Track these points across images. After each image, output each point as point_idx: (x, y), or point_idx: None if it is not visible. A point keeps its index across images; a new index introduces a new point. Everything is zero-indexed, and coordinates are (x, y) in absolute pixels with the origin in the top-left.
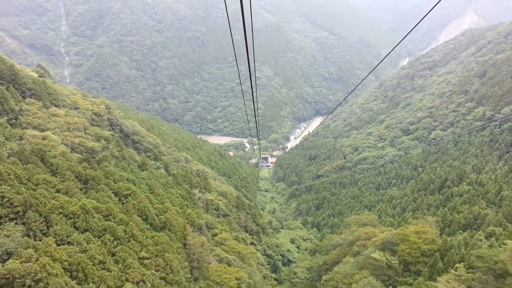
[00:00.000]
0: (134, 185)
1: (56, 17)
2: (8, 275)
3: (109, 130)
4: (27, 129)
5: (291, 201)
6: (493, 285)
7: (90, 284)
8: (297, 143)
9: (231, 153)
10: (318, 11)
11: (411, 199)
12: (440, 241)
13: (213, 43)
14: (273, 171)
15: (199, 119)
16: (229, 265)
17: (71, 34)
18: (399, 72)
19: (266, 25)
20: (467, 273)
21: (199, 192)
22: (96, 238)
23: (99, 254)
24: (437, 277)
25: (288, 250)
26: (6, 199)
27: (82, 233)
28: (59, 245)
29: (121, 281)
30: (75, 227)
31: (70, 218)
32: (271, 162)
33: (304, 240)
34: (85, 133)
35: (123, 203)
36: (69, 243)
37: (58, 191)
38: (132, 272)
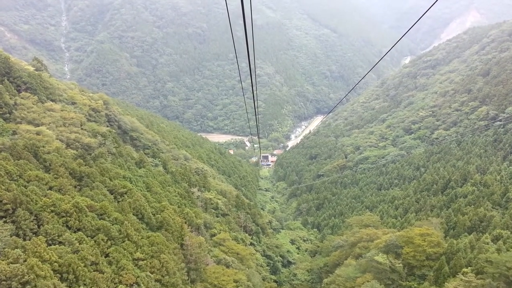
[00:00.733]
0: (131, 183)
1: (56, 12)
2: None
3: (107, 126)
4: (21, 123)
5: (291, 201)
6: None
7: (82, 287)
8: (298, 142)
9: (231, 152)
10: (319, 8)
11: (414, 200)
12: (446, 244)
13: (214, 40)
14: (274, 170)
15: (200, 117)
16: (228, 267)
17: (71, 29)
18: (401, 70)
19: (268, 22)
20: (477, 279)
21: (198, 190)
22: (89, 238)
23: (91, 255)
24: (444, 283)
25: (288, 251)
26: None
27: (75, 232)
28: (50, 245)
29: (114, 284)
30: (67, 226)
31: (62, 216)
32: (272, 161)
33: (304, 240)
34: (82, 128)
35: (118, 202)
36: (60, 243)
37: (50, 188)
38: (126, 274)
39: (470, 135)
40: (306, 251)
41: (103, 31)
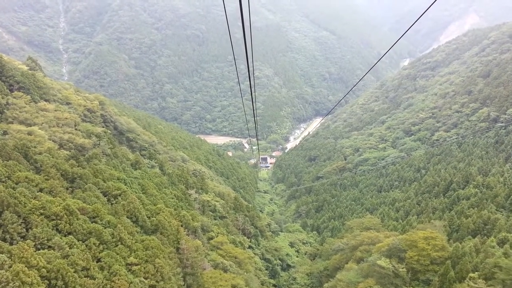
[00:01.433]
0: (125, 185)
1: (54, 14)
2: None
3: (103, 127)
4: (12, 123)
5: (290, 203)
6: None
7: None
8: (297, 144)
9: (230, 153)
10: (319, 10)
11: (415, 202)
12: (451, 248)
13: (213, 42)
14: (272, 172)
15: (198, 119)
16: (225, 271)
17: (69, 31)
18: (400, 72)
19: (267, 24)
20: (487, 285)
21: (195, 192)
22: (80, 242)
23: (82, 260)
24: None
25: (287, 254)
26: None
27: (65, 236)
28: (38, 249)
29: None
30: (57, 229)
31: (52, 219)
32: (270, 163)
33: (303, 243)
34: (76, 129)
35: (112, 204)
36: (49, 247)
37: (41, 190)
38: (118, 279)
39: (471, 137)
40: (305, 254)
41: (101, 33)
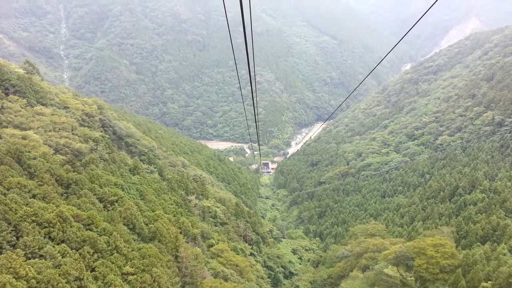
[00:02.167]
0: (123, 190)
1: (56, 20)
2: None
3: (101, 132)
4: (7, 127)
5: (292, 209)
6: None
7: None
8: (299, 149)
9: (231, 159)
10: (319, 15)
11: (420, 207)
12: (461, 256)
13: (214, 47)
14: (274, 177)
15: (199, 124)
16: (226, 280)
17: (70, 36)
18: (402, 76)
19: (267, 29)
20: None
21: (196, 198)
22: (74, 250)
23: (75, 269)
24: None
25: (290, 262)
26: None
27: (58, 244)
28: (29, 258)
29: None
30: (50, 237)
31: (45, 227)
32: (272, 168)
33: (306, 250)
34: (73, 133)
35: (108, 210)
36: (41, 256)
37: (33, 196)
38: None
39: (476, 141)
40: (308, 261)
41: (102, 38)
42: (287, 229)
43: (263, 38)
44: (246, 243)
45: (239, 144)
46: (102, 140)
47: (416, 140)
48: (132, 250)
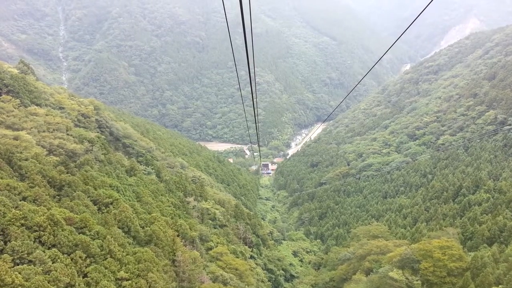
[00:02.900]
0: (118, 192)
1: (54, 22)
2: None
3: (98, 133)
4: None
5: (293, 210)
6: None
7: None
8: (298, 150)
9: (231, 160)
10: (318, 16)
11: (423, 208)
12: (469, 258)
13: (213, 48)
14: (274, 179)
15: (199, 125)
16: (225, 285)
17: (69, 39)
18: (402, 76)
19: (267, 30)
20: None
21: (194, 200)
22: (65, 255)
23: (66, 276)
24: None
25: (291, 264)
26: None
27: (49, 249)
28: (17, 264)
29: None
30: (40, 241)
31: (35, 231)
32: (272, 169)
33: (307, 252)
34: (67, 134)
35: (102, 213)
36: (30, 262)
37: (24, 198)
38: None
39: (478, 140)
40: (309, 263)
41: (101, 40)
42: (288, 231)
43: (262, 39)
44: (246, 245)
45: (239, 146)
46: (97, 141)
47: (417, 140)
48: (127, 255)
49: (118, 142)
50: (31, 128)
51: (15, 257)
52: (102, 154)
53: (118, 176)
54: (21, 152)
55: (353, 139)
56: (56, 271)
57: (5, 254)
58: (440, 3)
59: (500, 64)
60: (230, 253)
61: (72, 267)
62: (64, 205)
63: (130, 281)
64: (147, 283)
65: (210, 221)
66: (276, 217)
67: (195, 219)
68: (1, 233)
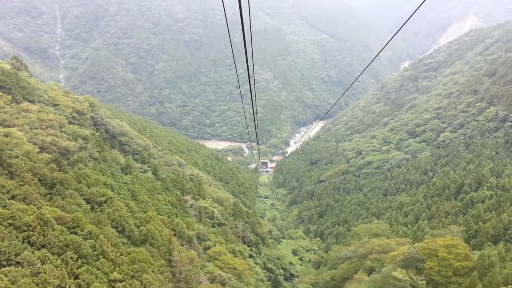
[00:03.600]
0: (112, 191)
1: (51, 20)
2: None
3: (93, 130)
4: None
5: (292, 208)
6: None
7: None
8: (297, 148)
9: (229, 158)
10: (316, 14)
11: (425, 206)
12: (476, 257)
13: (211, 46)
14: (273, 177)
15: (197, 124)
16: (223, 285)
17: (66, 37)
18: (401, 74)
19: (265, 28)
20: None
21: (192, 198)
22: (56, 256)
23: (55, 278)
24: None
25: (291, 263)
26: None
27: (38, 249)
28: (3, 266)
29: None
30: (29, 242)
31: (24, 231)
32: (271, 168)
33: (307, 251)
34: (61, 131)
35: (96, 212)
36: (17, 263)
37: (13, 197)
38: None
39: (479, 137)
40: (309, 262)
41: (98, 38)
42: (287, 229)
43: (260, 36)
44: (245, 244)
45: (238, 144)
46: (92, 138)
47: (417, 137)
48: (120, 255)
49: (114, 140)
50: (23, 125)
51: (2, 258)
52: (97, 151)
53: (113, 174)
54: (11, 150)
55: (352, 137)
56: (45, 273)
57: None
58: (439, 0)
59: (500, 60)
60: (229, 252)
61: (63, 269)
62: (55, 204)
63: (123, 283)
64: (142, 284)
65: (208, 220)
66: (275, 216)
67: (193, 217)
68: None
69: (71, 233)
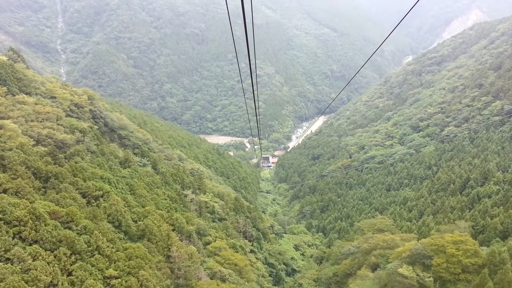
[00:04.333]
0: (110, 185)
1: (52, 14)
2: None
3: (93, 123)
4: None
5: (294, 203)
6: None
7: None
8: (299, 143)
9: (231, 153)
10: (319, 8)
11: (429, 201)
12: (484, 253)
13: (213, 40)
14: (275, 172)
15: (198, 118)
16: (224, 281)
17: (67, 31)
18: (404, 68)
19: (267, 22)
20: None
21: (192, 193)
22: (48, 252)
23: (47, 274)
24: None
25: (292, 258)
26: None
27: (30, 245)
28: None
29: None
30: (20, 237)
31: (15, 226)
32: (272, 162)
33: (309, 246)
34: (58, 124)
35: (92, 206)
36: (7, 260)
37: (5, 191)
38: None
39: (484, 132)
40: (311, 257)
41: (99, 32)
42: (289, 224)
43: (262, 30)
44: (246, 239)
45: (239, 139)
46: (90, 131)
47: (421, 132)
48: (116, 251)
49: (113, 133)
50: (18, 117)
51: None
52: (95, 145)
53: (111, 167)
54: (4, 142)
55: (355, 132)
56: (36, 269)
57: None
58: None
59: (506, 54)
60: (229, 247)
61: (55, 265)
62: (49, 198)
63: (119, 280)
64: (138, 281)
65: (209, 215)
66: (277, 210)
67: (193, 212)
68: None
69: (65, 228)
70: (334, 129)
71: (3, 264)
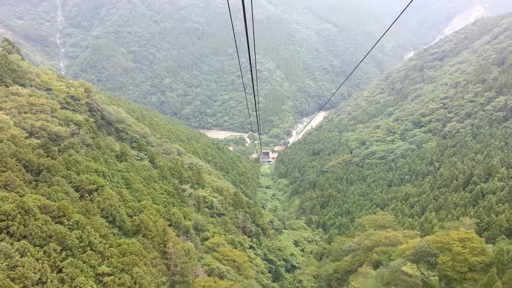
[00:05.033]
0: (104, 178)
1: (51, 8)
2: None
3: (89, 116)
4: None
5: (293, 199)
6: None
7: None
8: (299, 138)
9: (231, 148)
10: (320, 2)
11: (432, 197)
12: (492, 252)
13: (213, 35)
14: (275, 167)
15: (198, 113)
16: (221, 278)
17: (67, 25)
18: (406, 63)
19: (268, 17)
20: None
21: (190, 187)
22: (37, 248)
23: (35, 272)
24: None
25: (292, 254)
26: None
27: (18, 240)
28: None
29: None
30: (8, 232)
31: (2, 220)
32: (272, 158)
33: (309, 242)
34: (52, 116)
35: (85, 200)
36: None
37: None
38: None
39: (487, 127)
40: (311, 253)
41: (99, 26)
42: (289, 220)
43: (263, 25)
44: (245, 235)
45: (239, 134)
46: (85, 124)
47: (423, 127)
48: (110, 247)
49: (111, 127)
50: (11, 108)
51: None
52: (90, 137)
53: (107, 161)
54: None
55: (356, 127)
56: (23, 266)
57: None
58: None
59: (509, 49)
60: (228, 243)
61: (44, 262)
62: (40, 192)
63: (112, 277)
64: (132, 278)
65: (207, 210)
66: (276, 206)
67: (191, 207)
68: None
69: (56, 223)
70: (335, 124)
71: None
